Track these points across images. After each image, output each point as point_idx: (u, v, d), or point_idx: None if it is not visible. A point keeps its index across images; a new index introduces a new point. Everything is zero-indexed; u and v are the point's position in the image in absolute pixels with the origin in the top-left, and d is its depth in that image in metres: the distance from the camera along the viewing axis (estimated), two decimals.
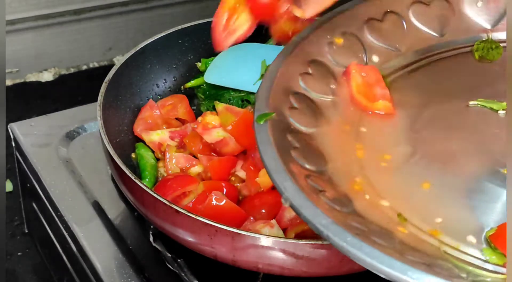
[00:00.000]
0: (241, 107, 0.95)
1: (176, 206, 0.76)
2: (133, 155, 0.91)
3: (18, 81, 1.42)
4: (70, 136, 1.01)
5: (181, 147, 0.92)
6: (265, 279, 0.81)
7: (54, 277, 1.03)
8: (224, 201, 0.82)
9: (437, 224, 0.59)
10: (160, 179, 0.89)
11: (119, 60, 0.98)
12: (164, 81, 1.03)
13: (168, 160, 0.89)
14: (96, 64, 1.49)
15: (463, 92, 0.72)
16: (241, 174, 0.89)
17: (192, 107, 1.00)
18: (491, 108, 0.69)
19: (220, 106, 0.91)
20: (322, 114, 0.69)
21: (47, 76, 1.43)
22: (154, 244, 0.85)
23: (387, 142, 0.67)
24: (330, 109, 0.69)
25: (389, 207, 0.60)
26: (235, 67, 1.02)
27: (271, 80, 0.68)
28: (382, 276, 0.52)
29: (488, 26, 0.77)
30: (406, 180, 0.63)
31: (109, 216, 0.90)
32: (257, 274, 0.81)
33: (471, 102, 0.70)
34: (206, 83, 1.02)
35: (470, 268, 0.55)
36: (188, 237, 0.78)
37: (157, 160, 0.92)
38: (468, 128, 0.68)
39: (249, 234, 0.74)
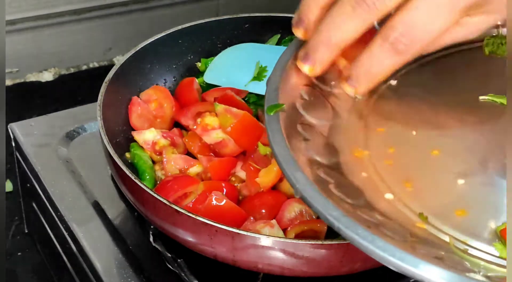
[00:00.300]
0: None
1: (176, 206, 0.76)
2: (127, 155, 0.91)
3: (18, 81, 1.42)
4: (70, 136, 1.01)
5: (173, 145, 0.92)
6: (265, 279, 0.81)
7: (54, 277, 1.03)
8: (224, 201, 0.82)
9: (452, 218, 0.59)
10: (157, 181, 0.89)
11: (119, 60, 0.98)
12: (164, 81, 1.03)
13: (166, 162, 0.89)
14: (96, 64, 1.49)
15: (473, 87, 0.72)
16: (241, 174, 0.89)
17: None
18: (501, 103, 0.69)
19: (219, 107, 0.91)
20: (333, 106, 0.69)
21: (47, 76, 1.43)
22: (154, 244, 0.85)
23: (399, 135, 0.67)
24: (340, 102, 0.69)
25: (400, 200, 0.60)
26: (235, 67, 1.02)
27: (281, 72, 0.68)
28: (393, 269, 0.52)
29: (499, 22, 0.77)
30: (418, 174, 0.63)
31: (109, 216, 0.90)
32: (257, 274, 0.81)
33: (481, 97, 0.70)
34: (206, 83, 1.02)
35: (482, 263, 0.55)
36: (188, 237, 0.78)
37: (153, 162, 0.91)
38: (479, 123, 0.68)
39: (249, 234, 0.74)
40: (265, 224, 0.81)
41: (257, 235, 0.74)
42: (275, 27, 1.08)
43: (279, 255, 0.74)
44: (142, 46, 0.98)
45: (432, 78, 0.73)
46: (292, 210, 0.85)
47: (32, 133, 1.01)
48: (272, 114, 0.63)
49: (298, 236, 0.82)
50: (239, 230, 0.74)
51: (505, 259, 0.55)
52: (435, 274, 0.51)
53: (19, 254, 1.09)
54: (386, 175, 0.62)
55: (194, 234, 0.76)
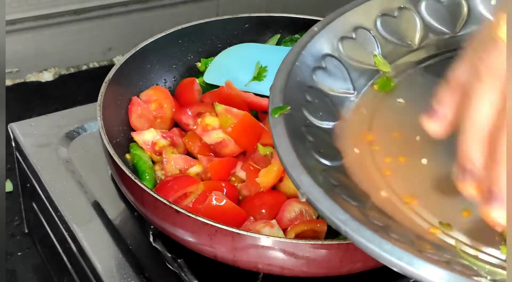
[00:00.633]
0: None
1: (176, 206, 0.76)
2: (127, 156, 0.91)
3: (18, 81, 1.42)
4: (70, 136, 1.01)
5: (173, 145, 0.92)
6: (265, 279, 0.81)
7: (54, 277, 1.03)
8: (224, 201, 0.82)
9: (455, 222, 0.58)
10: (157, 181, 0.89)
11: (119, 60, 0.98)
12: (164, 81, 1.03)
13: (166, 162, 0.89)
14: (96, 64, 1.49)
15: None
16: (241, 174, 0.89)
17: None
18: None
19: (219, 107, 0.91)
20: (337, 109, 0.69)
21: (47, 76, 1.43)
22: (154, 244, 0.85)
23: (404, 140, 0.67)
24: (344, 105, 0.69)
25: (405, 203, 0.60)
26: (235, 67, 1.02)
27: (286, 74, 0.68)
28: (401, 272, 0.52)
29: None
30: (423, 176, 0.63)
31: (109, 216, 0.90)
32: (257, 274, 0.81)
33: None
34: (206, 83, 1.02)
35: (488, 266, 0.55)
36: (188, 237, 0.78)
37: (153, 162, 0.91)
38: None
39: (249, 234, 0.74)
40: (265, 224, 0.81)
41: (257, 235, 0.74)
42: (275, 27, 1.08)
43: (279, 255, 0.74)
44: (142, 46, 0.98)
45: (434, 80, 0.73)
46: (292, 210, 0.85)
47: (32, 133, 1.01)
48: (276, 116, 0.63)
49: (298, 236, 0.82)
50: (239, 230, 0.74)
51: None
52: (443, 277, 0.51)
53: (19, 254, 1.09)
54: (393, 178, 0.62)
55: (194, 234, 0.76)
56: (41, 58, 1.42)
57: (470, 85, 0.53)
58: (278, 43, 1.07)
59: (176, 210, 0.75)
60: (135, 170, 0.89)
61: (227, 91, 0.95)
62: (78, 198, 0.92)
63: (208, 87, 1.01)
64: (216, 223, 0.74)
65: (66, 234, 0.90)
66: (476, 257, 0.56)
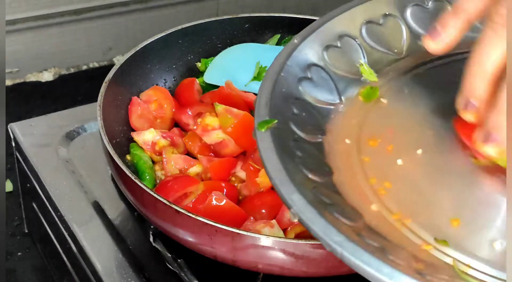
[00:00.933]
0: None
1: (176, 206, 0.76)
2: (128, 157, 0.91)
3: (18, 81, 1.42)
4: (70, 136, 1.01)
5: (173, 145, 0.92)
6: (265, 279, 0.81)
7: (54, 277, 1.03)
8: (224, 201, 0.82)
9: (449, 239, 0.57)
10: (157, 181, 0.89)
11: (119, 60, 0.98)
12: (164, 81, 1.03)
13: (166, 162, 0.89)
14: (96, 64, 1.49)
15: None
16: (241, 174, 0.89)
17: None
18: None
19: (219, 107, 0.91)
20: (325, 121, 0.66)
21: (47, 76, 1.43)
22: (154, 244, 0.85)
23: (393, 153, 0.65)
24: (332, 116, 0.67)
25: (399, 220, 0.59)
26: (235, 67, 1.02)
27: (271, 86, 0.65)
28: None
29: None
30: (416, 192, 0.62)
31: (109, 216, 0.90)
32: (257, 274, 0.81)
33: None
34: (206, 83, 1.02)
35: None
36: (188, 237, 0.78)
37: (153, 162, 0.91)
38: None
39: (249, 234, 0.74)
40: (265, 224, 0.81)
41: (257, 235, 0.74)
42: (275, 27, 1.08)
43: (279, 255, 0.74)
44: (142, 46, 0.98)
45: (423, 91, 0.72)
46: None
47: (32, 133, 1.01)
48: (263, 130, 0.61)
49: (298, 236, 0.82)
50: (239, 230, 0.74)
51: None
52: None
53: (19, 254, 1.09)
54: (384, 194, 0.60)
55: (194, 234, 0.76)
56: (41, 58, 1.42)
57: (484, 30, 0.56)
58: (278, 43, 1.07)
59: (176, 210, 0.75)
60: (135, 170, 0.89)
61: (227, 91, 0.95)
62: (78, 198, 0.92)
63: (208, 87, 1.01)
64: (216, 223, 0.74)
65: (66, 234, 0.90)
66: (472, 276, 0.54)
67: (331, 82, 0.70)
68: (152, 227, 0.85)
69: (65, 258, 0.94)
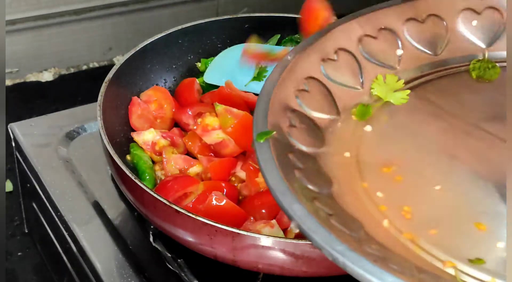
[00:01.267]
0: None
1: (176, 206, 0.76)
2: (128, 157, 0.91)
3: (18, 81, 1.42)
4: (70, 136, 1.01)
5: (173, 145, 0.92)
6: (265, 279, 0.81)
7: (54, 277, 1.03)
8: (224, 201, 0.82)
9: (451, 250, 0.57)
10: (157, 181, 0.89)
11: (119, 60, 0.98)
12: (164, 81, 1.03)
13: (166, 162, 0.89)
14: (96, 64, 1.49)
15: (462, 112, 0.70)
16: (241, 174, 0.89)
17: None
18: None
19: (219, 107, 0.91)
20: (323, 133, 0.67)
21: (47, 76, 1.43)
22: (154, 244, 0.85)
23: (392, 162, 0.65)
24: (330, 129, 0.67)
25: (398, 230, 0.59)
26: (235, 67, 1.02)
27: (268, 97, 0.65)
28: None
29: (483, 45, 0.76)
30: (416, 200, 0.62)
31: (109, 216, 0.90)
32: (257, 274, 0.81)
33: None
34: (206, 83, 1.02)
35: None
36: (188, 237, 0.78)
37: (153, 162, 0.91)
38: (470, 150, 0.66)
39: (249, 234, 0.74)
40: (265, 224, 0.81)
41: (257, 235, 0.74)
42: (275, 27, 1.08)
43: (279, 255, 0.74)
44: (142, 46, 0.98)
45: (417, 102, 0.72)
46: None
47: (32, 133, 1.01)
48: (262, 141, 0.61)
49: (298, 236, 0.82)
50: (239, 230, 0.74)
51: None
52: None
53: (19, 254, 1.09)
54: (384, 203, 0.60)
55: (194, 234, 0.76)
56: (41, 58, 1.42)
57: None
58: (278, 43, 1.07)
59: (176, 210, 0.75)
60: (135, 170, 0.89)
61: (227, 91, 0.95)
62: (78, 198, 0.92)
63: (208, 87, 1.01)
64: (216, 223, 0.74)
65: (66, 234, 0.90)
66: None
67: (328, 95, 0.70)
68: (152, 227, 0.85)
69: (65, 258, 0.94)
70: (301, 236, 0.82)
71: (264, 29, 1.08)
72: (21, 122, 1.03)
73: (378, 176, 0.64)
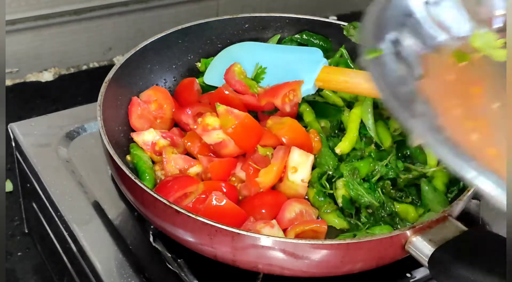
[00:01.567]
0: None
1: (176, 206, 0.76)
2: (128, 157, 0.91)
3: (18, 81, 1.42)
4: (70, 136, 1.01)
5: (173, 145, 0.92)
6: (265, 279, 0.81)
7: (54, 277, 1.03)
8: (224, 201, 0.82)
9: None
10: (157, 181, 0.89)
11: (119, 60, 0.98)
12: (164, 81, 1.03)
13: (166, 162, 0.89)
14: (96, 64, 1.49)
15: None
16: (241, 174, 0.89)
17: None
18: None
19: (220, 108, 0.91)
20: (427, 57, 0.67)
21: (47, 76, 1.44)
22: (154, 244, 0.85)
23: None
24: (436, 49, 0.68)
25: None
26: None
27: (378, 12, 0.66)
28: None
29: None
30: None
31: (109, 216, 0.90)
32: (257, 274, 0.81)
33: None
34: (206, 84, 1.02)
35: None
36: (188, 237, 0.78)
37: (153, 162, 0.91)
38: None
39: (249, 234, 0.74)
40: (265, 224, 0.81)
41: (257, 235, 0.74)
42: (275, 27, 1.08)
43: (279, 255, 0.74)
44: (142, 46, 0.98)
45: None
46: (292, 210, 0.85)
47: (32, 133, 1.01)
48: (371, 58, 0.61)
49: (298, 236, 0.82)
50: (239, 230, 0.74)
51: None
52: None
53: (19, 254, 1.09)
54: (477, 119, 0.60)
55: (194, 234, 0.76)
56: (41, 58, 1.43)
57: None
58: (278, 43, 1.07)
59: (176, 210, 0.75)
60: (135, 170, 0.89)
61: (225, 93, 0.95)
62: (78, 198, 0.92)
63: (208, 87, 1.01)
64: (216, 223, 0.74)
65: (66, 234, 0.90)
66: None
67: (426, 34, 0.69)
68: (152, 227, 0.85)
69: (65, 258, 0.94)
70: (301, 236, 0.82)
71: (264, 29, 1.08)
72: (21, 122, 1.03)
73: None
